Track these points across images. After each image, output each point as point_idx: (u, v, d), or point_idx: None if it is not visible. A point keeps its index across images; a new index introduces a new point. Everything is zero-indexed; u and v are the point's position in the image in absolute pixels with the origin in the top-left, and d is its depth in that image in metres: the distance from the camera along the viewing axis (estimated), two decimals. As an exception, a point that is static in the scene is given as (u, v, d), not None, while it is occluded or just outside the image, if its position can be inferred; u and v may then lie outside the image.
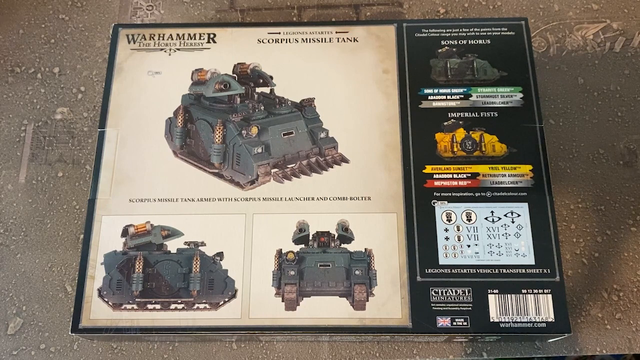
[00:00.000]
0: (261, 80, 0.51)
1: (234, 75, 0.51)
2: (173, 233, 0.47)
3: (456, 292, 0.44)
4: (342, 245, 0.46)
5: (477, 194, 0.47)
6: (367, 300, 0.44)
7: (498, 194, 0.47)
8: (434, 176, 0.47)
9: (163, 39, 0.53)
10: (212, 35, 0.53)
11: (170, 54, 0.52)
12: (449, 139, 0.49)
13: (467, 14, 0.60)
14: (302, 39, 0.53)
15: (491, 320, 0.44)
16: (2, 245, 0.53)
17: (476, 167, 0.48)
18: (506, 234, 0.46)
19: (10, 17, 0.62)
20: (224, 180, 0.48)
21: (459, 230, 0.46)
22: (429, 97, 0.50)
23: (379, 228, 0.46)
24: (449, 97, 0.50)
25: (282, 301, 0.45)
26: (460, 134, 0.49)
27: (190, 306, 0.45)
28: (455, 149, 0.48)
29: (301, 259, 0.46)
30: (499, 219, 0.46)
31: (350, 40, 0.53)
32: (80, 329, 0.44)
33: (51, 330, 0.50)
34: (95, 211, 0.47)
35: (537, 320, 0.43)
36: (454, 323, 0.44)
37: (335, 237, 0.46)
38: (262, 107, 0.50)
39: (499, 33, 0.52)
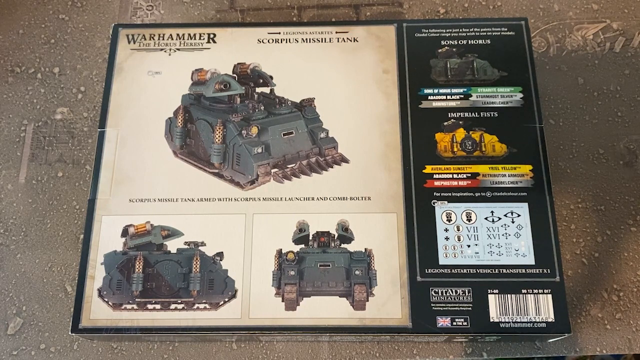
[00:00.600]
0: (261, 80, 0.51)
1: (234, 75, 0.51)
2: (173, 233, 0.47)
3: (456, 292, 0.44)
4: (342, 245, 0.46)
5: (477, 194, 0.47)
6: (367, 300, 0.44)
7: (498, 194, 0.47)
8: (434, 176, 0.47)
9: (163, 39, 0.53)
10: (212, 35, 0.53)
11: (170, 54, 0.52)
12: (449, 139, 0.49)
13: (467, 14, 0.60)
14: (302, 39, 0.53)
15: (491, 320, 0.44)
16: (2, 245, 0.53)
17: (476, 167, 0.48)
18: (506, 234, 0.46)
19: (10, 17, 0.62)
20: (224, 180, 0.48)
21: (459, 230, 0.46)
22: (429, 97, 0.50)
23: (379, 228, 0.46)
24: (449, 97, 0.50)
25: (282, 301, 0.45)
26: (460, 134, 0.49)
27: (190, 306, 0.45)
28: (455, 149, 0.48)
29: (301, 259, 0.46)
30: (499, 219, 0.46)
31: (350, 40, 0.53)
32: (80, 329, 0.44)
33: (51, 330, 0.50)
34: (95, 211, 0.47)
35: (537, 320, 0.43)
36: (454, 323, 0.44)
37: (335, 237, 0.46)
38: (262, 107, 0.50)
39: (499, 33, 0.52)
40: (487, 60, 0.51)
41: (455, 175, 0.47)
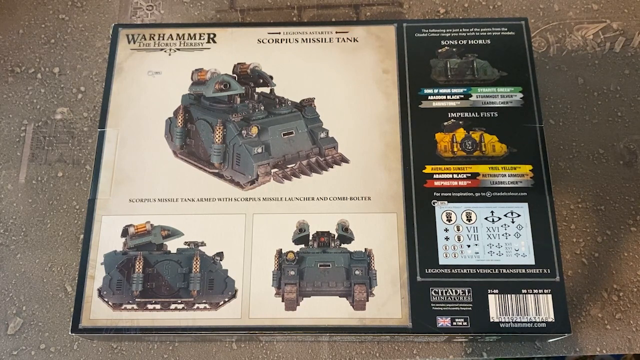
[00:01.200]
0: (261, 80, 0.51)
1: (234, 75, 0.51)
2: (173, 233, 0.47)
3: (456, 292, 0.44)
4: (342, 245, 0.46)
5: (477, 194, 0.47)
6: (367, 300, 0.44)
7: (498, 194, 0.47)
8: (434, 176, 0.47)
9: (163, 39, 0.53)
10: (212, 35, 0.53)
11: (170, 54, 0.52)
12: (449, 139, 0.49)
13: (467, 14, 0.60)
14: (302, 39, 0.53)
15: (491, 320, 0.44)
16: (2, 245, 0.53)
17: (476, 167, 0.48)
18: (506, 234, 0.46)
19: (10, 17, 0.62)
20: (224, 180, 0.48)
21: (459, 230, 0.46)
22: (429, 97, 0.50)
23: (379, 228, 0.46)
24: (449, 97, 0.50)
25: (282, 301, 0.45)
26: (460, 134, 0.49)
27: (190, 306, 0.45)
28: (455, 149, 0.48)
29: (301, 259, 0.46)
30: (499, 219, 0.46)
31: (350, 40, 0.53)
32: (80, 329, 0.44)
33: (51, 330, 0.50)
34: (95, 211, 0.47)
35: (537, 320, 0.43)
36: (454, 323, 0.44)
37: (335, 237, 0.46)
38: (262, 107, 0.50)
39: (499, 33, 0.52)
40: (487, 60, 0.51)
41: (455, 175, 0.47)
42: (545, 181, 0.47)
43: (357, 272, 0.45)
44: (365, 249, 0.46)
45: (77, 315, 0.44)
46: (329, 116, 0.50)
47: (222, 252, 0.46)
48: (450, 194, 0.47)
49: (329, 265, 0.46)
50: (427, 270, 0.45)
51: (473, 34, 0.52)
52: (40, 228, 0.53)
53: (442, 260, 0.45)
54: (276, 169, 0.48)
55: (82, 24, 0.61)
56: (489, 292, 0.44)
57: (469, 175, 0.47)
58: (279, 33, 0.53)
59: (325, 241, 0.46)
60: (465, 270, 0.45)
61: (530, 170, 0.47)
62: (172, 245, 0.46)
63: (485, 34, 0.52)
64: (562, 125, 0.56)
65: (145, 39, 0.53)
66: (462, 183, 0.47)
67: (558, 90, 0.57)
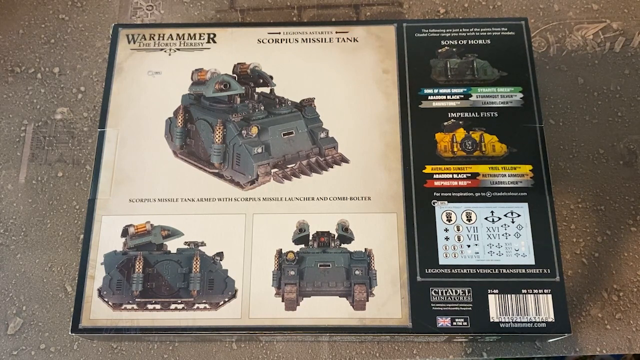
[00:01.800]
0: (261, 80, 0.51)
1: (234, 75, 0.51)
2: (173, 233, 0.47)
3: (456, 292, 0.44)
4: (342, 245, 0.46)
5: (477, 194, 0.47)
6: (367, 300, 0.44)
7: (498, 194, 0.47)
8: (434, 176, 0.47)
9: (163, 39, 0.53)
10: (212, 35, 0.53)
11: (170, 54, 0.52)
12: (449, 139, 0.49)
13: (467, 14, 0.60)
14: (302, 39, 0.53)
15: (491, 320, 0.44)
16: (2, 245, 0.53)
17: (476, 167, 0.48)
18: (506, 234, 0.46)
19: (10, 17, 0.62)
20: (224, 180, 0.48)
21: (459, 230, 0.46)
22: (429, 97, 0.50)
23: (379, 228, 0.46)
24: (449, 97, 0.50)
25: (282, 301, 0.45)
26: (460, 134, 0.49)
27: (190, 306, 0.45)
28: (455, 149, 0.48)
29: (301, 259, 0.46)
30: (499, 219, 0.46)
31: (350, 40, 0.53)
32: (80, 329, 0.44)
33: (51, 330, 0.50)
34: (95, 211, 0.47)
35: (537, 320, 0.43)
36: (454, 323, 0.44)
37: (335, 237, 0.46)
38: (262, 107, 0.50)
39: (499, 33, 0.52)
40: (487, 60, 0.51)
41: (455, 175, 0.47)
42: (545, 181, 0.47)
43: (357, 272, 0.45)
44: (365, 249, 0.46)
45: (77, 315, 0.44)
46: (329, 116, 0.50)
47: (222, 252, 0.46)
48: (450, 194, 0.47)
49: (329, 265, 0.46)
50: (427, 270, 0.45)
51: (473, 34, 0.52)
52: (40, 228, 0.53)
53: (442, 260, 0.45)
54: (276, 169, 0.48)
55: (82, 24, 0.61)
56: (489, 292, 0.44)
57: (469, 175, 0.47)
58: (279, 33, 0.53)
59: (325, 241, 0.46)
60: (465, 270, 0.45)
61: (530, 170, 0.47)
62: (172, 245, 0.46)
63: (485, 34, 0.52)
64: (562, 125, 0.56)
65: (145, 39, 0.53)
66: (462, 183, 0.47)
67: (558, 90, 0.57)
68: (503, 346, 0.49)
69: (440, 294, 0.44)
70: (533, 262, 0.45)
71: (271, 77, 0.51)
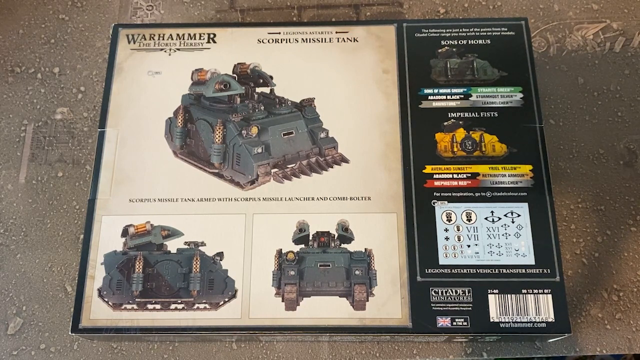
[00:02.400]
0: (261, 80, 0.51)
1: (234, 75, 0.51)
2: (173, 233, 0.47)
3: (456, 292, 0.44)
4: (342, 245, 0.46)
5: (477, 194, 0.47)
6: (367, 300, 0.44)
7: (498, 194, 0.47)
8: (434, 176, 0.47)
9: (163, 39, 0.53)
10: (212, 35, 0.53)
11: (170, 54, 0.52)
12: (449, 139, 0.49)
13: (467, 14, 0.60)
14: (302, 39, 0.53)
15: (491, 320, 0.44)
16: (2, 245, 0.53)
17: (476, 167, 0.48)
18: (506, 234, 0.46)
19: (10, 17, 0.62)
20: (224, 180, 0.48)
21: (459, 230, 0.46)
22: (429, 97, 0.50)
23: (379, 228, 0.46)
24: (449, 97, 0.50)
25: (282, 301, 0.45)
26: (460, 134, 0.49)
27: (190, 306, 0.45)
28: (455, 149, 0.48)
29: (301, 259, 0.46)
30: (499, 219, 0.46)
31: (350, 40, 0.53)
32: (80, 329, 0.44)
33: (51, 330, 0.50)
34: (95, 211, 0.47)
35: (537, 320, 0.43)
36: (454, 323, 0.44)
37: (335, 237, 0.46)
38: (262, 107, 0.50)
39: (499, 33, 0.52)
40: (487, 60, 0.51)
41: (455, 175, 0.47)
42: (545, 181, 0.47)
43: (357, 272, 0.45)
44: (365, 249, 0.46)
45: (77, 315, 0.44)
46: (329, 116, 0.50)
47: (222, 252, 0.46)
48: (450, 194, 0.47)
49: (329, 265, 0.46)
50: (427, 270, 0.45)
51: (473, 34, 0.52)
52: (40, 228, 0.53)
53: (442, 260, 0.45)
54: (276, 169, 0.48)
55: (82, 24, 0.61)
56: (489, 292, 0.44)
57: (469, 175, 0.47)
58: (279, 33, 0.53)
59: (325, 241, 0.46)
60: (465, 270, 0.45)
61: (530, 170, 0.47)
62: (172, 245, 0.46)
63: (485, 34, 0.52)
64: (562, 125, 0.56)
65: (145, 39, 0.53)
66: (462, 183, 0.47)
67: (558, 90, 0.57)
68: (503, 346, 0.49)
69: (440, 294, 0.44)
70: (533, 262, 0.45)
71: (271, 77, 0.51)
